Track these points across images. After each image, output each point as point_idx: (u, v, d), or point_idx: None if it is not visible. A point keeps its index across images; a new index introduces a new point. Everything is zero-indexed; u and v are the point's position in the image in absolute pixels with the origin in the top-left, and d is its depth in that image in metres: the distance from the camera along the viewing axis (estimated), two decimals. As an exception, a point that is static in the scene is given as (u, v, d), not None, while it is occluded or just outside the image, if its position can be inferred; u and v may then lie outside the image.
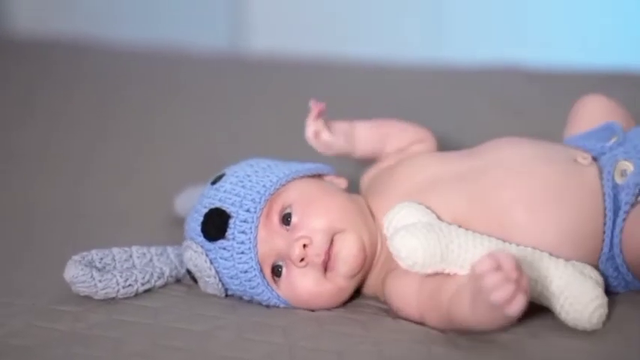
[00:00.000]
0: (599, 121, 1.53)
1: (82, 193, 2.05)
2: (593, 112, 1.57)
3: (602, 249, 1.39)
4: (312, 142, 1.58)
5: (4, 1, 3.04)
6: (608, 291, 1.37)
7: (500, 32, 2.74)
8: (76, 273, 1.39)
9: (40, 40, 2.84)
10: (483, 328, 1.25)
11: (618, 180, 1.41)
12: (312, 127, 1.58)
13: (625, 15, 2.65)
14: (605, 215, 1.39)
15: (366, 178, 1.59)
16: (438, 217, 1.39)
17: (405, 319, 1.37)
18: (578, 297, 1.28)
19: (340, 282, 1.40)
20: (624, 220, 1.38)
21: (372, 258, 1.44)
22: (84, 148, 2.24)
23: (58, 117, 2.36)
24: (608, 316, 1.31)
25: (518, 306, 1.17)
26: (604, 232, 1.39)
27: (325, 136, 1.57)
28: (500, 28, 2.73)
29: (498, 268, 1.16)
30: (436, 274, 1.32)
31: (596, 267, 1.39)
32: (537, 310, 1.33)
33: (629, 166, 1.42)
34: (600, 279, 1.35)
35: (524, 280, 1.18)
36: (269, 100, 2.39)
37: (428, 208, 1.39)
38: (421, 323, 1.35)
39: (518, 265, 1.17)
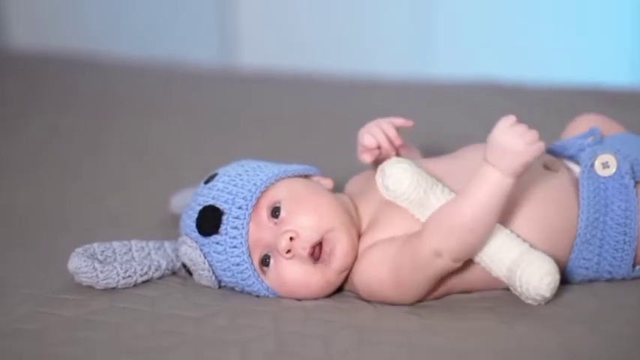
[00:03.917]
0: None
1: (76, 199, 2.10)
2: (584, 126, 1.64)
3: (574, 241, 1.48)
4: (367, 137, 1.58)
5: (1, 17, 3.10)
6: (571, 284, 1.48)
7: (483, 51, 2.84)
8: (79, 264, 1.47)
9: (36, 55, 2.90)
10: (474, 209, 1.36)
11: (601, 172, 1.50)
12: (379, 131, 1.58)
13: (598, 37, 2.76)
14: (579, 208, 1.48)
15: (353, 183, 1.65)
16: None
17: (380, 301, 1.45)
18: (533, 268, 1.39)
19: (330, 275, 1.46)
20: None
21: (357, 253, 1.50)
22: (77, 158, 2.29)
23: (52, 128, 2.42)
24: (573, 307, 1.41)
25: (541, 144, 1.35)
26: (577, 224, 1.48)
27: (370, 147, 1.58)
28: (484, 47, 2.83)
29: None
30: (399, 237, 1.43)
31: (564, 264, 1.48)
32: (510, 301, 1.42)
33: (610, 158, 1.51)
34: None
35: None
36: (257, 113, 2.46)
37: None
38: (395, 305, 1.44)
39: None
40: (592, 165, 1.52)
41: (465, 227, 1.37)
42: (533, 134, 1.35)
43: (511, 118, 1.36)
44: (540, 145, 1.35)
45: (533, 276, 1.38)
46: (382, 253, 1.44)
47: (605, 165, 1.51)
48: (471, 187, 1.38)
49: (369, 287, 1.46)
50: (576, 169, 1.55)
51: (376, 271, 1.44)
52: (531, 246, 1.43)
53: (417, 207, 1.45)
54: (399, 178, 1.44)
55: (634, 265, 1.51)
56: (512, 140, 1.34)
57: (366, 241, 1.48)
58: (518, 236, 1.44)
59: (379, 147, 1.58)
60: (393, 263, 1.42)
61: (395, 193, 1.45)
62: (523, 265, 1.39)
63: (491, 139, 1.36)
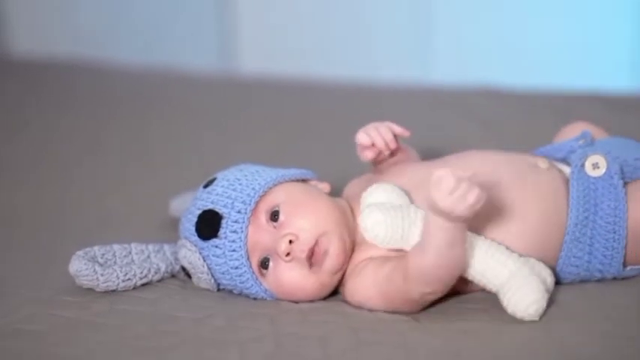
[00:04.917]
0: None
1: (76, 199, 2.13)
2: (575, 132, 1.66)
3: (564, 238, 1.51)
4: (362, 135, 1.60)
5: (1, 24, 3.11)
6: (564, 284, 1.50)
7: (482, 56, 2.85)
8: (79, 267, 1.49)
9: (36, 60, 2.90)
10: (436, 259, 1.36)
11: (591, 172, 1.53)
12: (379, 134, 1.60)
13: (598, 42, 2.77)
14: (568, 207, 1.51)
15: (352, 185, 1.67)
16: (411, 201, 1.50)
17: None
18: (520, 295, 1.40)
19: (324, 277, 1.49)
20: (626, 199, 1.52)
21: (351, 256, 1.52)
22: (77, 158, 2.31)
23: (52, 132, 2.43)
24: (567, 307, 1.43)
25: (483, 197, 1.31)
26: (567, 222, 1.51)
27: (369, 151, 1.61)
28: (483, 52, 2.84)
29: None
30: (391, 259, 1.45)
31: (555, 262, 1.51)
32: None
33: (600, 159, 1.54)
34: (550, 277, 1.46)
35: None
36: (256, 117, 2.47)
37: (402, 190, 1.50)
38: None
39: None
40: (582, 165, 1.55)
41: (437, 271, 1.38)
42: (474, 194, 1.31)
43: (448, 180, 1.30)
44: (483, 199, 1.32)
45: (520, 304, 1.40)
46: (373, 275, 1.46)
47: (596, 166, 1.54)
48: (424, 234, 1.37)
49: (362, 304, 1.48)
50: (567, 170, 1.58)
51: (366, 291, 1.46)
52: (520, 256, 1.45)
53: (401, 242, 1.46)
54: (374, 232, 1.45)
55: (624, 265, 1.54)
56: (453, 207, 1.31)
57: (360, 254, 1.51)
58: (507, 248, 1.45)
59: (373, 145, 1.60)
60: (383, 288, 1.44)
61: (375, 241, 1.47)
62: (509, 294, 1.40)
63: (431, 202, 1.32)
